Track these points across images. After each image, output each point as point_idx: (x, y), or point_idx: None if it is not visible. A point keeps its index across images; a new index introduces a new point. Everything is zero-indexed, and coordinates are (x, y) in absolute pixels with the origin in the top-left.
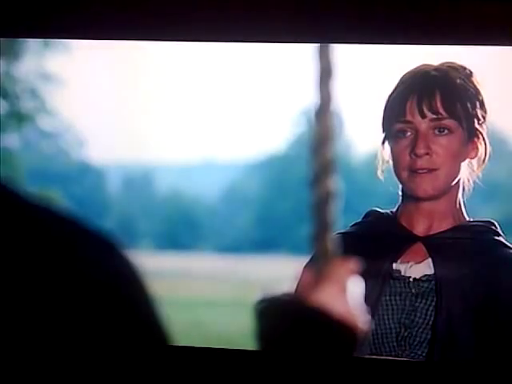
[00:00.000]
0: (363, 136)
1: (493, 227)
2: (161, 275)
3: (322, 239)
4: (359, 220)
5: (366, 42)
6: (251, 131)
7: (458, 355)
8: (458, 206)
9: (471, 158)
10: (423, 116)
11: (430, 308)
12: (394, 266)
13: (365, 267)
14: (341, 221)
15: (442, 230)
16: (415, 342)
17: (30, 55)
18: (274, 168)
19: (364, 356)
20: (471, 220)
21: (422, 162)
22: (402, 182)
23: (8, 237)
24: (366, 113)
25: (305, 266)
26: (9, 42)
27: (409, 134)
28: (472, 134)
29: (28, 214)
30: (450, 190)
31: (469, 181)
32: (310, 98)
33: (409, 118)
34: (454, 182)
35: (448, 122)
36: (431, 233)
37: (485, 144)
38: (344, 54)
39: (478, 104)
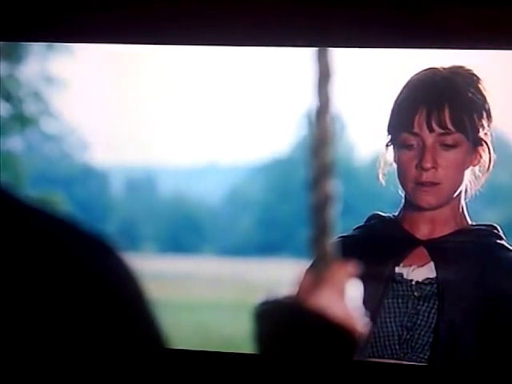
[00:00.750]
0: (365, 139)
1: (495, 231)
2: (163, 278)
3: (321, 242)
4: (362, 223)
5: (368, 46)
6: (254, 135)
7: (460, 358)
8: (460, 210)
9: (474, 166)
10: (431, 130)
11: (432, 311)
12: (397, 269)
13: (367, 270)
14: (342, 224)
15: (444, 233)
16: (417, 345)
17: (34, 58)
18: (276, 171)
19: (366, 359)
20: (474, 224)
21: (427, 176)
22: (406, 192)
23: (5, 240)
24: (368, 116)
25: (305, 269)
26: (12, 45)
27: (415, 145)
28: (476, 143)
29: (24, 218)
30: (454, 198)
31: (472, 187)
32: (311, 101)
33: (416, 130)
34: (458, 191)
35: (455, 136)
36: (434, 237)
37: (489, 151)
38: (347, 57)
39: (484, 114)
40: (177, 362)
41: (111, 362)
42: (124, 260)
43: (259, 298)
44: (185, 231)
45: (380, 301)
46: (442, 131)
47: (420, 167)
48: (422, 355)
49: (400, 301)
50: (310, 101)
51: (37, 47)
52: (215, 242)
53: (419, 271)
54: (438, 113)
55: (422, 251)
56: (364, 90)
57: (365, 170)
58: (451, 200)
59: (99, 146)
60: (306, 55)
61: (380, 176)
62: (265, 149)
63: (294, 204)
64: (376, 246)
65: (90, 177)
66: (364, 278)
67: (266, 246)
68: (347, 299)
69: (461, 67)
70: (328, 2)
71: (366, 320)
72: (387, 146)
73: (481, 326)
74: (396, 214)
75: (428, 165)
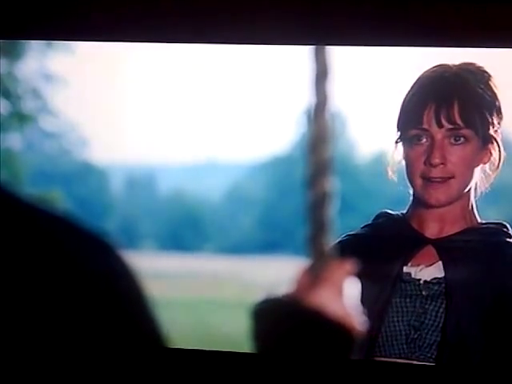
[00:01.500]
0: (366, 137)
1: (504, 229)
2: (163, 276)
3: (319, 240)
4: (369, 222)
5: (370, 44)
6: (255, 132)
7: (468, 358)
8: (470, 208)
9: (484, 163)
10: (440, 126)
11: (440, 310)
12: (405, 268)
13: (375, 269)
14: (343, 221)
15: (453, 232)
16: (425, 344)
17: (32, 55)
18: (277, 169)
19: (373, 358)
20: (483, 222)
21: (436, 172)
22: (414, 188)
23: (3, 238)
24: (369, 114)
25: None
26: (11, 43)
27: (424, 140)
28: (486, 141)
29: (23, 216)
30: (463, 196)
31: (482, 185)
32: (309, 98)
33: (426, 126)
34: (467, 189)
35: (464, 131)
36: (443, 235)
37: (499, 149)
38: (348, 54)
39: (494, 111)
40: (175, 361)
41: (109, 361)
42: (122, 258)
43: (259, 296)
44: (184, 229)
45: (388, 300)
46: (450, 126)
47: (429, 163)
48: (429, 354)
49: (408, 300)
50: (308, 98)
51: (35, 44)
52: (215, 239)
53: (427, 270)
54: (447, 108)
55: (430, 250)
56: (365, 88)
57: (365, 167)
58: (460, 197)
59: (99, 144)
60: (305, 52)
61: (389, 173)
62: (265, 146)
63: (294, 202)
64: (384, 244)
65: (90, 174)
66: (372, 276)
67: (267, 244)
68: (345, 297)
69: (471, 64)
70: (327, 1)
71: (364, 318)
72: (396, 142)
73: (488, 325)
74: (404, 211)
75: (437, 160)
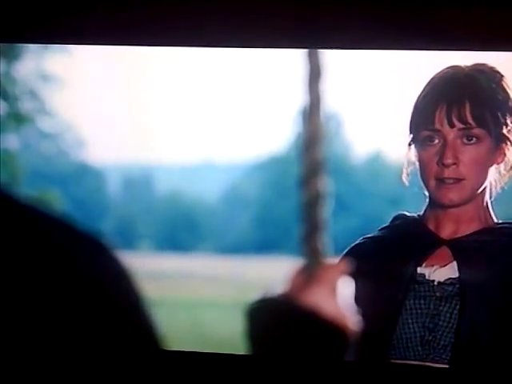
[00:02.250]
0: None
1: None
2: (161, 276)
3: (313, 240)
4: (387, 224)
5: (366, 47)
6: (251, 132)
7: (482, 359)
8: (485, 208)
9: (498, 164)
10: (452, 125)
11: (455, 311)
12: (419, 269)
13: (390, 271)
14: (339, 221)
15: (469, 232)
16: (439, 346)
17: (30, 56)
18: (274, 169)
19: (388, 360)
20: (499, 222)
21: (449, 172)
22: (428, 190)
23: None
24: (365, 115)
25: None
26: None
27: (436, 141)
28: (500, 141)
29: (19, 216)
30: (477, 196)
31: (496, 185)
32: (303, 99)
33: (437, 126)
34: (482, 189)
35: (476, 131)
36: (458, 235)
37: None
38: (345, 56)
39: (507, 111)
40: (170, 363)
41: (104, 362)
42: (118, 259)
43: (256, 296)
44: (182, 229)
45: (402, 302)
46: (462, 126)
47: (441, 163)
48: (444, 356)
49: (422, 301)
50: (302, 99)
51: (33, 46)
52: (213, 240)
53: (441, 271)
54: (459, 108)
55: (445, 251)
56: (360, 89)
57: (360, 167)
58: (474, 197)
59: (96, 144)
60: (300, 55)
61: (404, 176)
62: (262, 147)
63: (291, 202)
64: (399, 246)
65: (87, 175)
66: (387, 278)
67: (264, 244)
68: (339, 297)
69: (483, 65)
70: (324, 5)
71: (358, 318)
72: (409, 145)
73: (503, 326)
74: (421, 213)
75: (449, 161)
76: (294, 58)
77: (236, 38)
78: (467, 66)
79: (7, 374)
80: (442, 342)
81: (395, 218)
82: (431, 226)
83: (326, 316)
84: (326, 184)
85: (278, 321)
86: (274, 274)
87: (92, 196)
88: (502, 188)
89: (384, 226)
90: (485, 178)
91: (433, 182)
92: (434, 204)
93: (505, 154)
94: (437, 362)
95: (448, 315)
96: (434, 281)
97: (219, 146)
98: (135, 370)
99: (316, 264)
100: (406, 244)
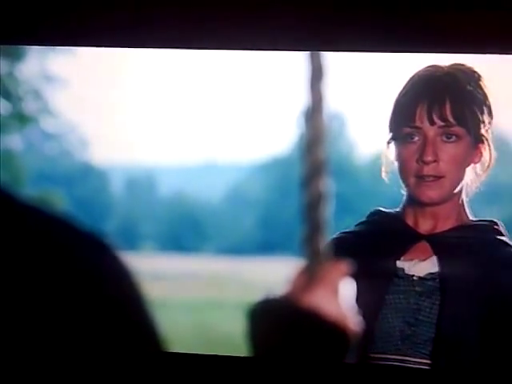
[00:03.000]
0: (365, 137)
1: (496, 227)
2: (163, 277)
3: (314, 241)
4: (363, 219)
5: (369, 50)
6: (254, 133)
7: (463, 354)
8: (462, 206)
9: (475, 163)
10: (432, 123)
11: (435, 306)
12: (398, 263)
13: (369, 266)
14: (342, 221)
15: (446, 229)
16: (419, 341)
17: (33, 56)
18: (277, 170)
19: (369, 355)
20: (474, 220)
21: (428, 169)
22: (407, 187)
23: (2, 239)
24: (369, 114)
25: (298, 268)
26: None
27: (416, 138)
28: (478, 140)
29: (22, 217)
30: (455, 195)
31: (472, 184)
32: (306, 100)
33: (418, 123)
34: (459, 188)
35: (456, 129)
36: (436, 231)
37: (489, 149)
38: (348, 58)
39: (485, 110)
40: (173, 364)
41: (106, 364)
42: (121, 259)
43: (259, 296)
44: (185, 230)
45: (382, 296)
46: (442, 124)
47: (421, 161)
48: (424, 351)
49: (401, 296)
50: (304, 101)
51: (36, 46)
52: (216, 240)
53: (421, 265)
54: (439, 106)
55: (424, 245)
56: (363, 90)
57: (363, 168)
58: (452, 196)
59: (99, 145)
60: (302, 56)
61: (383, 174)
62: (265, 148)
63: (293, 203)
64: (378, 241)
65: (90, 175)
66: (366, 273)
67: (267, 244)
68: (340, 298)
69: (462, 65)
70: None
71: (360, 318)
72: (388, 143)
73: (483, 320)
74: (398, 209)
75: (429, 158)
76: (296, 60)
77: (239, 40)
78: (446, 66)
79: (7, 374)
80: (422, 337)
81: (372, 214)
82: (410, 222)
83: (328, 317)
84: (328, 185)
85: (280, 322)
86: (276, 274)
87: (95, 196)
88: (478, 188)
89: (361, 220)
90: (462, 177)
91: (412, 180)
92: (412, 201)
93: (481, 154)
94: (417, 357)
95: (428, 310)
96: (413, 276)
97: (222, 148)
98: (137, 371)
99: (317, 265)
100: (384, 238)
